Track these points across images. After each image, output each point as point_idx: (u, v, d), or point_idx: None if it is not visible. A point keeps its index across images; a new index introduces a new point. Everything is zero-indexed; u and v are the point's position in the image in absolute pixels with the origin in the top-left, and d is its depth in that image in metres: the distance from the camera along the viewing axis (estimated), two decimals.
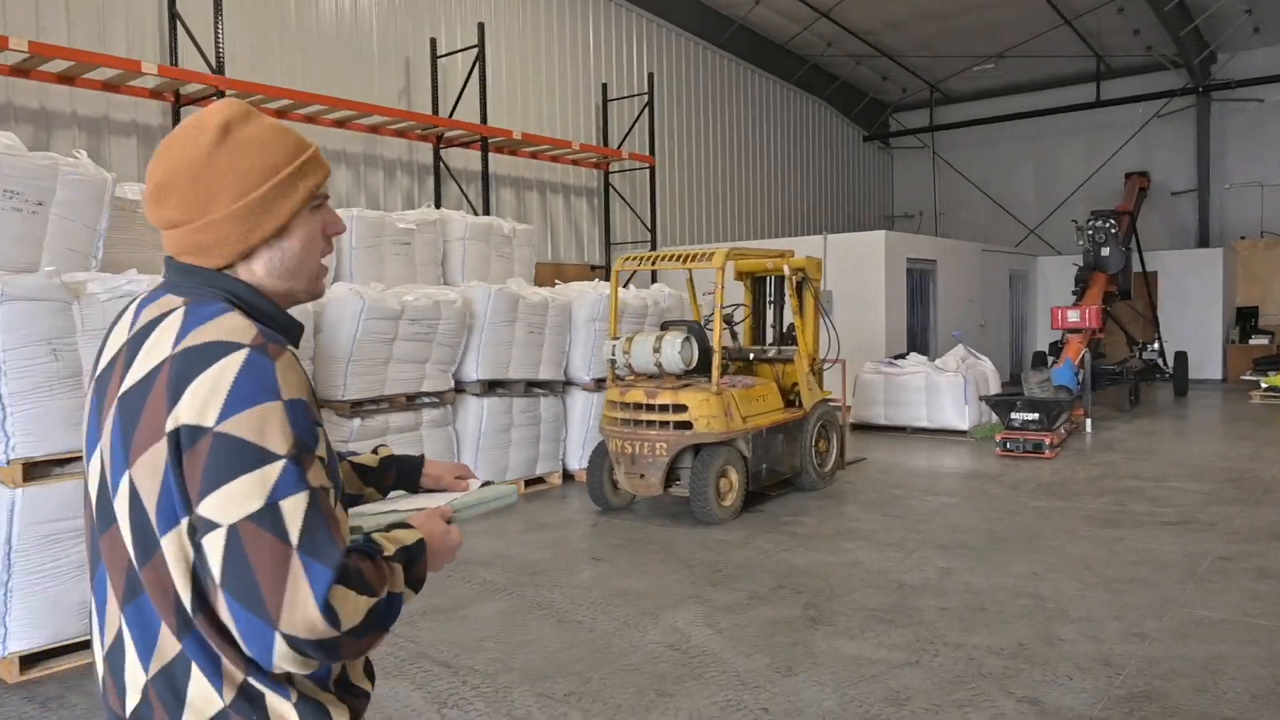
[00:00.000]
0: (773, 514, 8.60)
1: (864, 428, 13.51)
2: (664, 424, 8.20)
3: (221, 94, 10.98)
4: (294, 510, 1.39)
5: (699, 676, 4.98)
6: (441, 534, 1.67)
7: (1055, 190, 23.71)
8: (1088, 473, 10.26)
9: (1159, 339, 17.76)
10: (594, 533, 8.15)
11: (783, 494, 9.37)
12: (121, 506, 1.50)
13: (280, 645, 1.38)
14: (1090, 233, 16.21)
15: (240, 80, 11.34)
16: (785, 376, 9.53)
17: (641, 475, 8.29)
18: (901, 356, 13.66)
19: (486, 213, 14.39)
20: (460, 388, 9.38)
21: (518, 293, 9.61)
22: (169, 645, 1.49)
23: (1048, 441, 11.04)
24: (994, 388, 13.23)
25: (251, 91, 11.33)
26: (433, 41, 14.37)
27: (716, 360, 8.29)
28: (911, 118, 26.23)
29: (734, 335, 9.77)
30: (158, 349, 1.48)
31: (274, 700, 1.51)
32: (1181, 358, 17.34)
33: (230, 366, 1.43)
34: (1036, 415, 11.26)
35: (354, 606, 1.41)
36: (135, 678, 1.53)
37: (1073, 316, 14.22)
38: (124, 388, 1.50)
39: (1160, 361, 17.29)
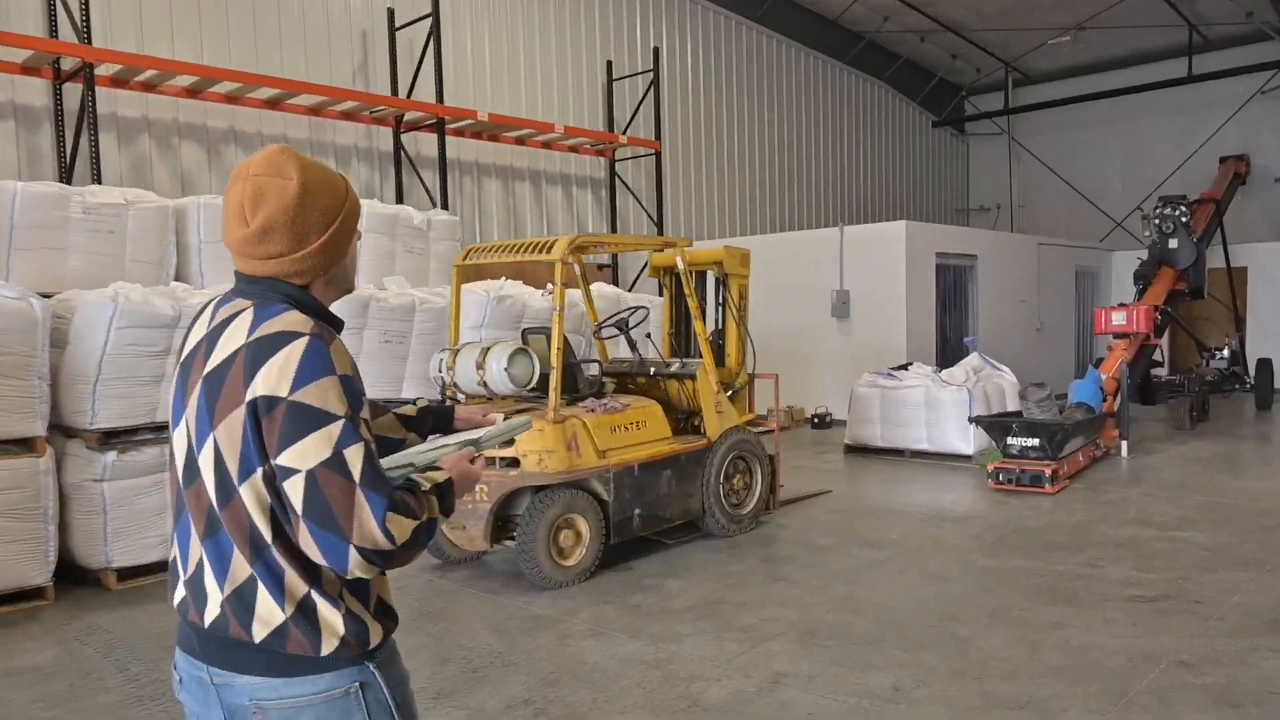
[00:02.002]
0: (638, 574, 6.71)
1: (859, 450, 11.38)
2: (487, 461, 6.42)
3: (93, 67, 9.65)
4: (354, 456, 1.78)
5: None
6: (463, 472, 2.04)
7: (1146, 178, 20.73)
8: (1085, 516, 8.02)
9: (1230, 345, 14.89)
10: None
11: (684, 541, 7.48)
12: (206, 462, 1.88)
13: (354, 556, 1.77)
14: (1156, 222, 13.66)
15: (121, 51, 9.97)
16: (695, 397, 7.63)
17: (463, 526, 6.53)
18: (903, 367, 11.49)
19: (445, 206, 12.81)
20: None
21: (368, 294, 7.95)
22: (241, 570, 1.88)
23: (1048, 473, 8.80)
24: (1013, 404, 10.95)
25: (141, 65, 9.99)
26: (389, 11, 12.80)
27: (554, 380, 6.44)
28: (988, 101, 23.56)
29: (632, 346, 7.89)
30: (234, 338, 1.87)
31: (325, 612, 1.89)
32: (1265, 366, 14.47)
33: (296, 349, 1.82)
34: (1036, 441, 9.02)
35: (403, 528, 1.80)
36: (214, 596, 1.91)
37: (1118, 319, 11.81)
38: (207, 369, 1.90)
39: (1240, 370, 14.52)
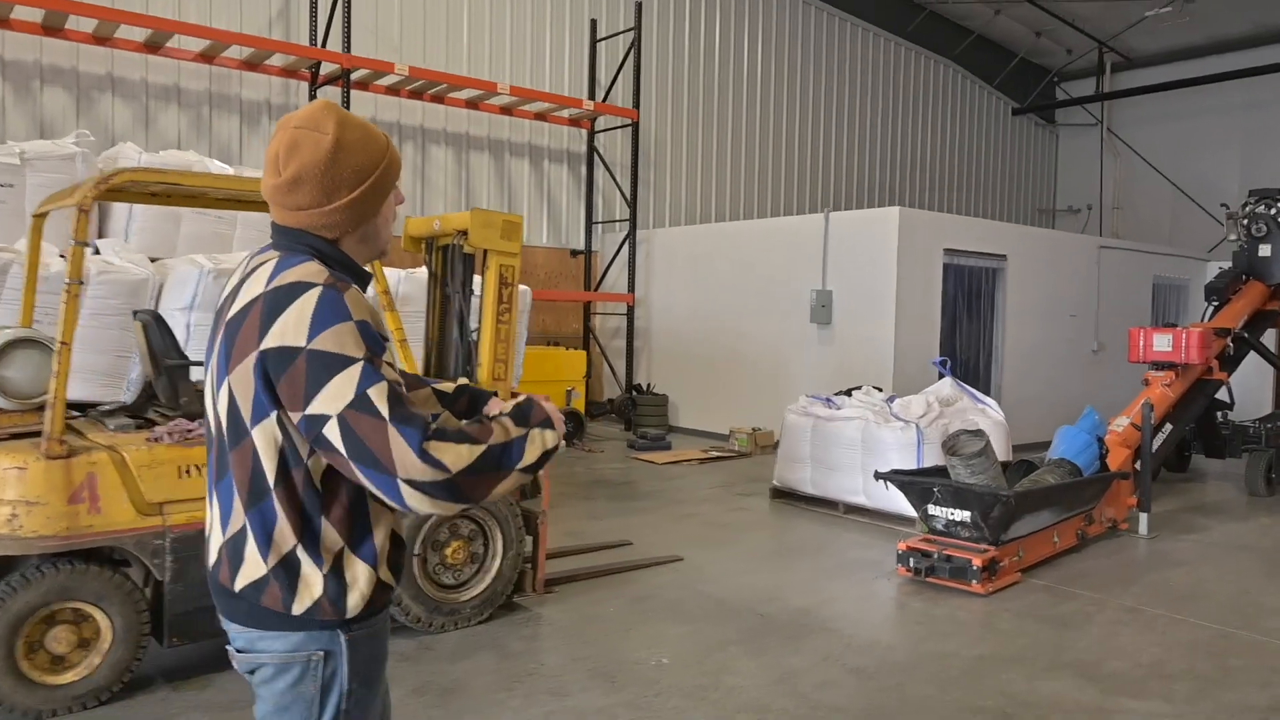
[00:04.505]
0: (196, 702, 4.10)
1: (787, 496, 8.43)
2: None
3: None
4: (379, 394, 1.69)
5: None
6: (547, 405, 1.94)
7: (1270, 177, 16.68)
8: (998, 646, 4.97)
9: None
10: None
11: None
12: (221, 405, 1.82)
13: (405, 489, 1.67)
14: (1245, 221, 10.14)
15: None
16: None
17: None
18: (848, 392, 8.45)
19: None
20: None
21: (6, 258, 5.61)
22: (237, 518, 1.81)
23: (977, 564, 5.75)
24: (1001, 450, 7.78)
25: None
26: None
27: (56, 387, 3.91)
28: (1081, 87, 19.79)
29: None
30: (255, 287, 1.81)
31: (307, 570, 1.80)
32: None
33: (310, 300, 1.74)
34: (967, 515, 5.98)
35: (456, 453, 1.69)
36: (216, 541, 1.87)
37: (1161, 344, 8.49)
38: (229, 315, 1.83)
39: None
